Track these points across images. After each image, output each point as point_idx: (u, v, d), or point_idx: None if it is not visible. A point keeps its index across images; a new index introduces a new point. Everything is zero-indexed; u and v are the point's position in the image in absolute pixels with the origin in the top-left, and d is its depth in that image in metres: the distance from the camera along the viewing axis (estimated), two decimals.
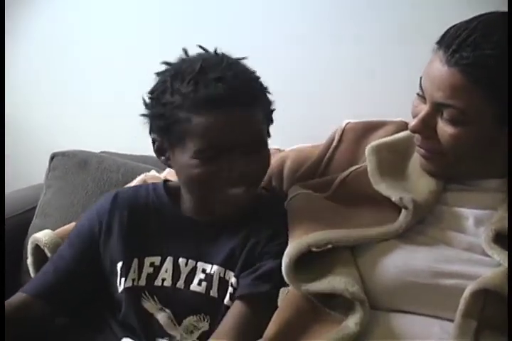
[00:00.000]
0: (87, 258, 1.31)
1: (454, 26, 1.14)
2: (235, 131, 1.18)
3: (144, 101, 1.26)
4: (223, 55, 1.25)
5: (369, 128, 1.37)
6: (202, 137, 1.18)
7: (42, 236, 1.42)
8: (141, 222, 1.30)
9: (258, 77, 1.25)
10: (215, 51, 1.26)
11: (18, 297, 1.29)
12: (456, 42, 1.10)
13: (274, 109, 1.28)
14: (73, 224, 1.45)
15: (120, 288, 1.27)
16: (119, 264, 1.28)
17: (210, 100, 1.16)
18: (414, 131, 1.19)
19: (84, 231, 1.33)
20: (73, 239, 1.34)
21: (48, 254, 1.39)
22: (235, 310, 1.20)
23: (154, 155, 1.74)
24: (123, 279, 1.26)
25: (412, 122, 1.17)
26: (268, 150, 1.25)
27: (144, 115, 1.26)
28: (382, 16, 1.77)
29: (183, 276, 1.26)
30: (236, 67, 1.22)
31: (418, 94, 1.18)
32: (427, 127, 1.16)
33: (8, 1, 2.12)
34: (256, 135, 1.21)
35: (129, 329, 1.26)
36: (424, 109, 1.15)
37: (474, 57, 1.08)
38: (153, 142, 1.27)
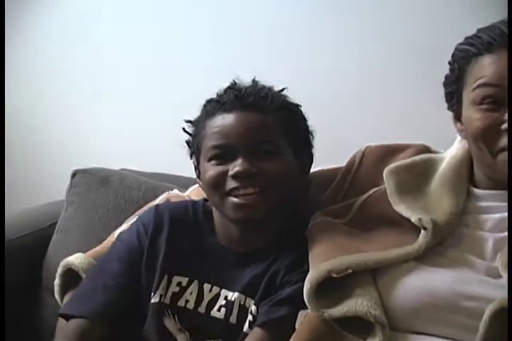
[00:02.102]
0: (136, 272, 1.29)
1: (475, 35, 1.17)
2: (241, 132, 1.23)
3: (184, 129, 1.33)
4: (257, 81, 1.30)
5: (389, 152, 1.38)
6: (211, 137, 1.24)
7: (74, 259, 1.42)
8: (179, 239, 1.31)
9: (281, 96, 1.30)
10: (253, 80, 1.31)
11: (75, 323, 1.26)
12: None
13: (307, 130, 1.32)
14: (105, 245, 1.46)
15: (149, 303, 1.28)
16: (156, 279, 1.28)
17: (221, 104, 1.25)
18: None
19: (134, 245, 1.31)
20: (122, 254, 1.32)
21: (83, 275, 1.39)
22: (254, 336, 1.20)
23: (171, 173, 1.79)
24: (152, 294, 1.27)
25: None
26: (283, 160, 1.25)
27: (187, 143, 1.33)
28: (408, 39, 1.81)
29: (205, 301, 1.27)
30: (260, 85, 1.29)
31: (487, 103, 1.13)
32: None
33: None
34: (263, 139, 1.24)
35: None
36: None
37: None
38: (195, 168, 1.33)
